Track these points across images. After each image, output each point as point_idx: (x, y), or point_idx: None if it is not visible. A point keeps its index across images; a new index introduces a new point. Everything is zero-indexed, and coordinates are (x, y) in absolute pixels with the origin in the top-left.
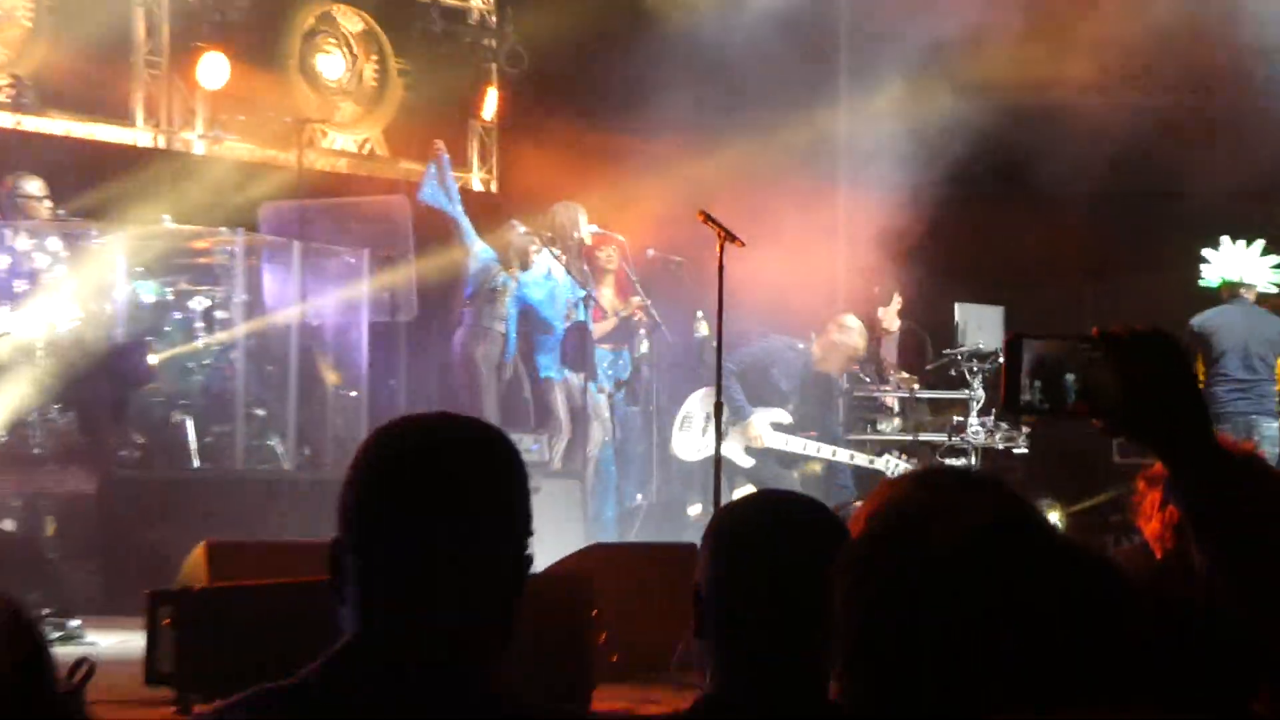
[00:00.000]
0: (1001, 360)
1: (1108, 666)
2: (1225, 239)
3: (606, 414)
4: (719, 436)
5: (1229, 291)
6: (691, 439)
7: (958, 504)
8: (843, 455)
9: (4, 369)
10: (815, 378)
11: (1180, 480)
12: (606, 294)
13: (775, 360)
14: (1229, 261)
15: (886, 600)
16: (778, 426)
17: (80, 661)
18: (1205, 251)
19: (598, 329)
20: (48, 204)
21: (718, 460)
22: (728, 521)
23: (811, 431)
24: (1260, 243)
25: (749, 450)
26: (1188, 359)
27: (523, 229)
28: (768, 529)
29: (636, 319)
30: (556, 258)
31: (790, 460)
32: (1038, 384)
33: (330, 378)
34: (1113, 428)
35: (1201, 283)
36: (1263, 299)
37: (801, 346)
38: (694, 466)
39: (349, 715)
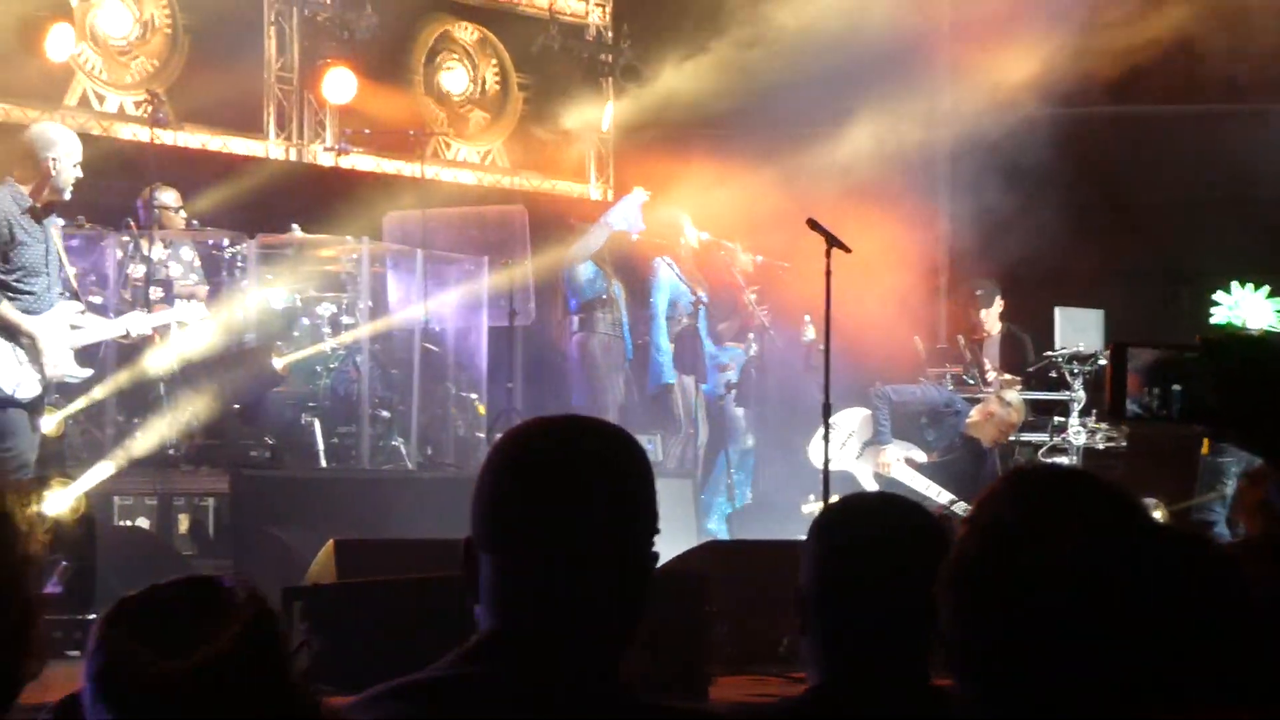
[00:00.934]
0: (1105, 366)
1: (1234, 662)
2: (1235, 284)
3: (718, 415)
4: (826, 439)
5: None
6: (830, 450)
7: (1069, 509)
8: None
9: (146, 373)
10: (965, 440)
11: None
12: (722, 296)
13: (929, 410)
14: (1237, 306)
15: (1000, 606)
16: (910, 463)
17: (303, 643)
18: (1217, 295)
19: (720, 329)
20: (182, 214)
21: (826, 465)
22: (830, 523)
23: (950, 488)
24: (1266, 288)
25: (877, 476)
26: None
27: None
28: (868, 530)
29: (754, 322)
30: (668, 264)
31: (914, 498)
32: (1144, 390)
33: (479, 409)
34: (1217, 431)
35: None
36: None
37: (960, 406)
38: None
39: (484, 709)
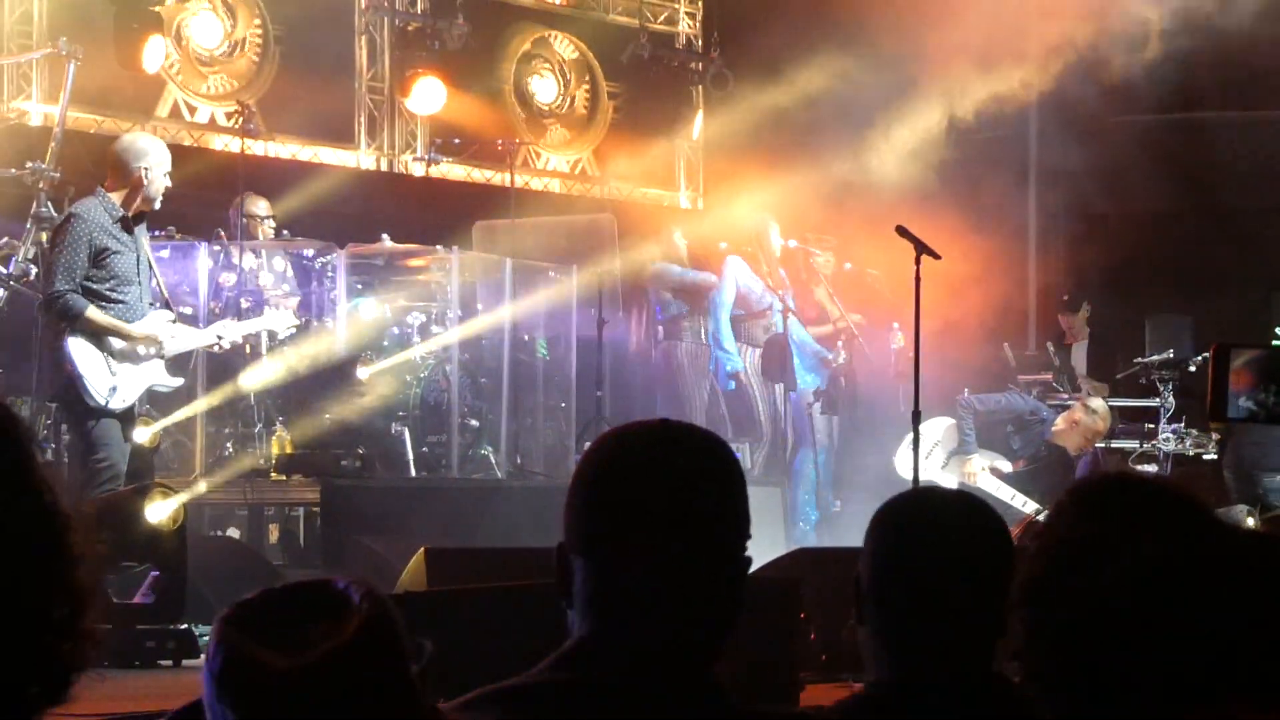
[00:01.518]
0: (1206, 368)
1: None
2: None
3: (806, 422)
4: (916, 445)
5: None
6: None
7: (1141, 521)
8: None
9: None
10: (1050, 448)
11: None
12: (820, 295)
13: (1014, 418)
14: None
15: (1071, 621)
16: (995, 472)
17: (422, 644)
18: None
19: (812, 331)
20: (271, 223)
21: (915, 469)
22: (890, 515)
23: (1035, 498)
24: None
25: (962, 485)
26: None
27: (682, 241)
28: (926, 523)
29: (842, 326)
30: (739, 262)
31: (999, 507)
32: (1247, 390)
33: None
34: None
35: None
36: None
37: (1046, 414)
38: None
39: (581, 713)
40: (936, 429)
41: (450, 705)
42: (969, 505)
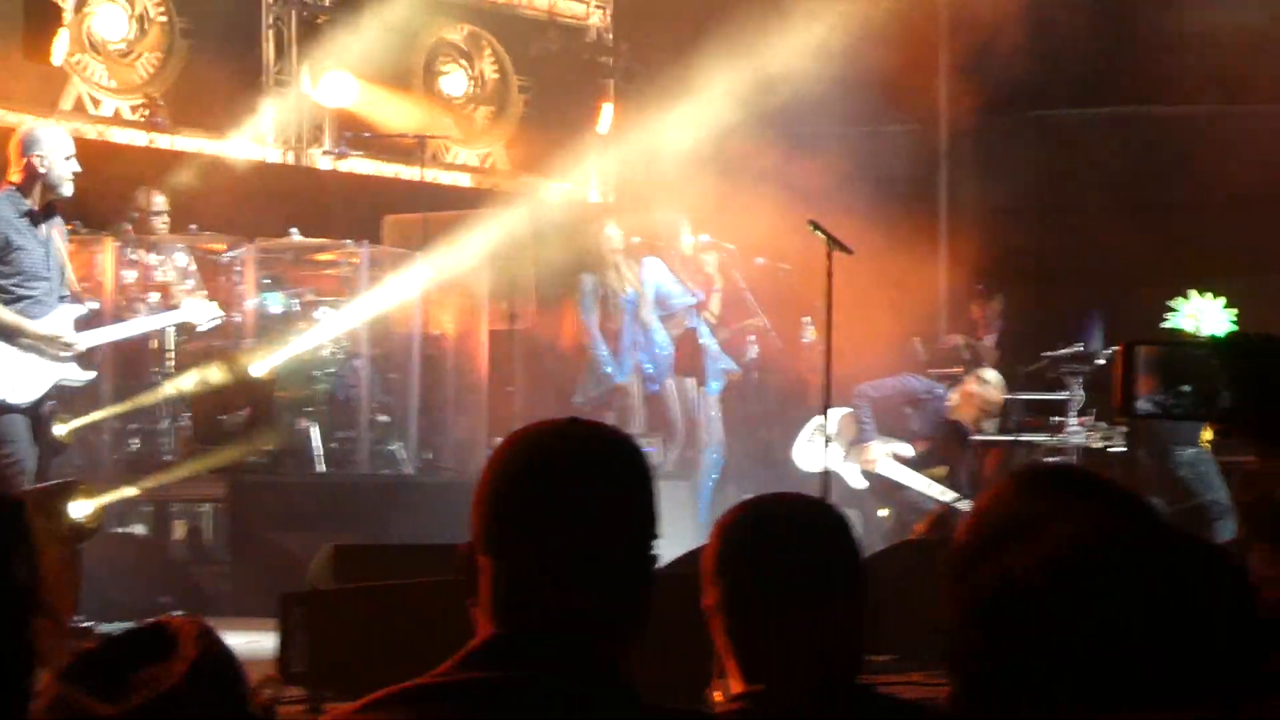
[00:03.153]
0: (1113, 364)
1: (1232, 662)
2: (1193, 293)
3: (716, 417)
4: (828, 440)
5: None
6: (814, 452)
7: (1072, 506)
8: (963, 504)
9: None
10: (948, 425)
11: None
12: (715, 300)
13: (910, 399)
14: (1191, 312)
15: (997, 603)
16: (897, 459)
17: (266, 680)
18: (1170, 302)
19: (722, 334)
20: (166, 218)
21: (824, 466)
22: (733, 532)
23: (939, 469)
24: (1223, 299)
25: (865, 474)
26: None
27: (619, 235)
28: (766, 535)
29: (759, 323)
30: (661, 266)
31: (899, 491)
32: (1154, 387)
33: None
34: (1227, 428)
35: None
36: None
37: (940, 391)
38: (812, 477)
39: (489, 713)
40: (832, 421)
41: (357, 704)
42: (806, 508)
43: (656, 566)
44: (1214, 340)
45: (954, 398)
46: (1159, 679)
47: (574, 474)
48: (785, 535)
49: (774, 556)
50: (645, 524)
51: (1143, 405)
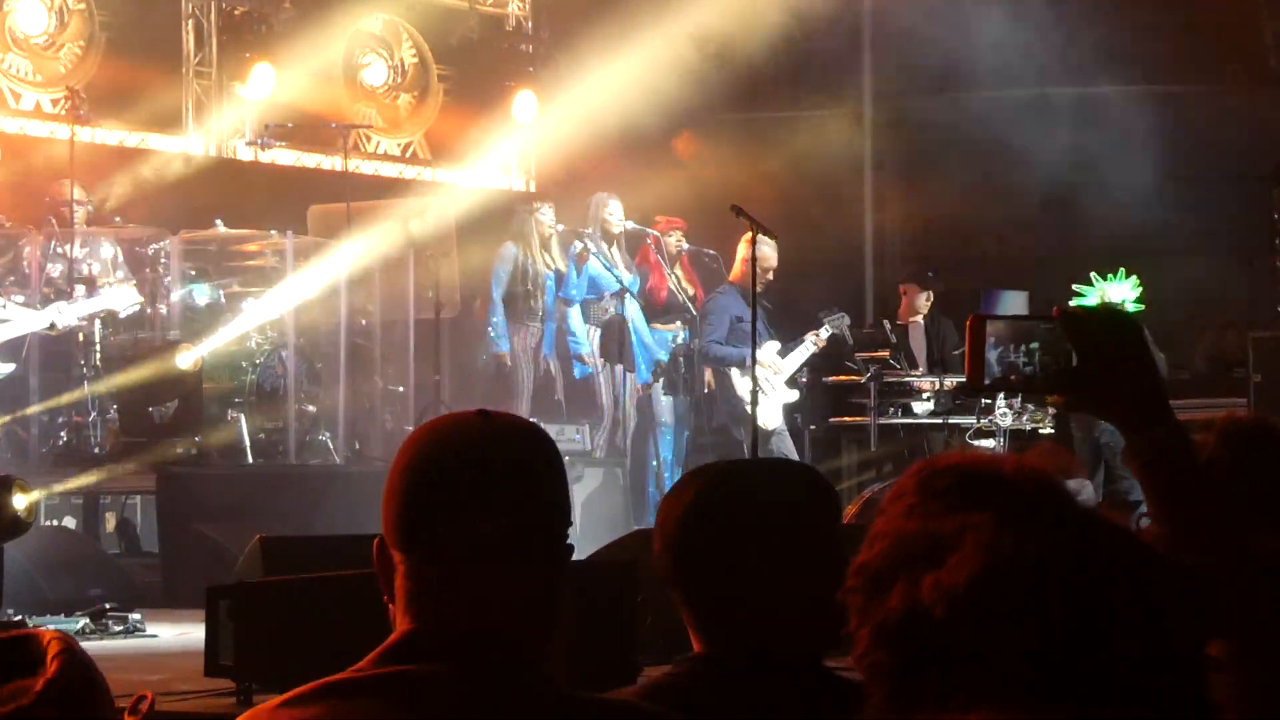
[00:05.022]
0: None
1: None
2: (1094, 275)
3: (647, 402)
4: (755, 427)
5: None
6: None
7: (979, 522)
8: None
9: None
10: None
11: (1136, 448)
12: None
13: (734, 317)
14: (1102, 289)
15: (906, 629)
16: (770, 364)
17: (141, 698)
18: (1076, 287)
19: (659, 325)
20: (90, 210)
21: (754, 444)
22: (688, 494)
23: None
24: (1134, 278)
25: (763, 390)
26: (1141, 334)
27: (551, 218)
28: (729, 493)
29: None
30: (594, 252)
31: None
32: (1002, 362)
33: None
34: (1072, 402)
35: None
36: None
37: (727, 288)
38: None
39: (410, 708)
40: (744, 387)
41: (282, 699)
42: (781, 469)
43: (581, 553)
44: (1061, 314)
45: (736, 269)
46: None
47: (483, 465)
48: (748, 494)
49: (727, 516)
50: (556, 513)
51: (991, 379)
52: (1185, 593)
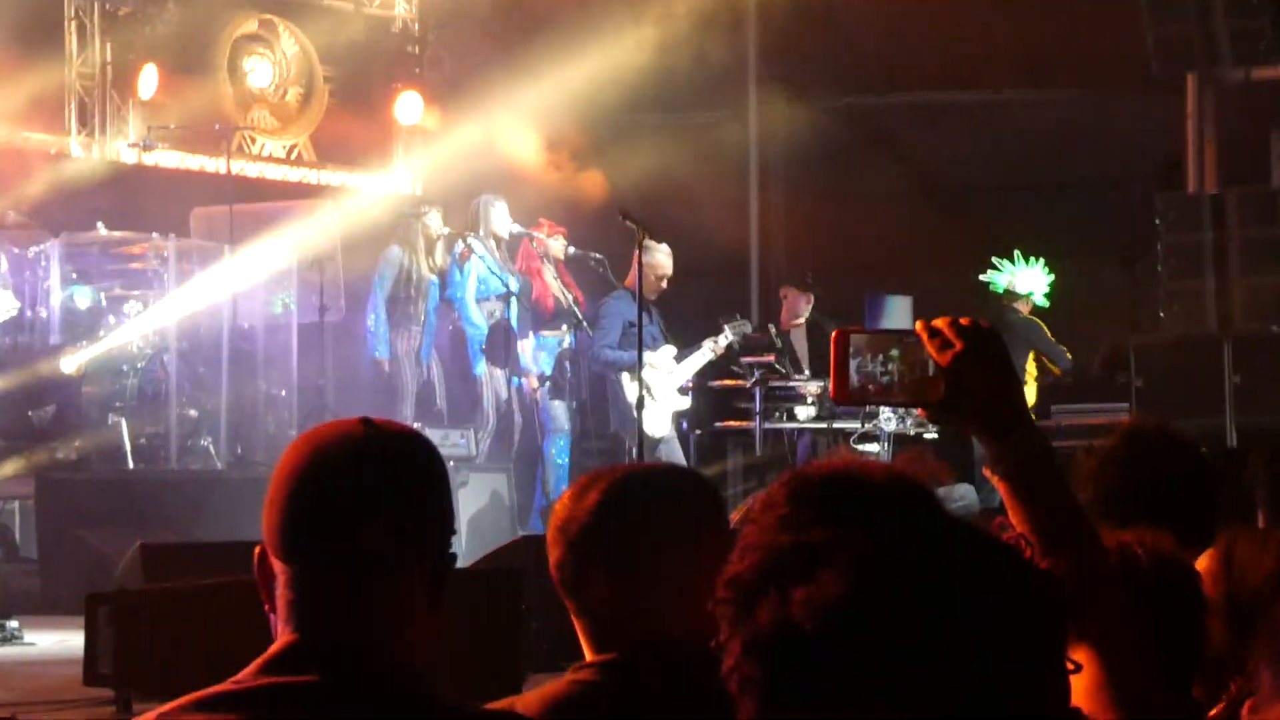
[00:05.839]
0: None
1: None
2: (1017, 253)
3: (544, 408)
4: (641, 436)
5: (1006, 300)
6: (649, 418)
7: (846, 535)
8: (702, 355)
9: None
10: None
11: (995, 456)
12: (549, 279)
13: (624, 322)
14: (1013, 273)
15: (777, 645)
16: (660, 367)
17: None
18: (995, 259)
19: (547, 331)
20: None
21: (640, 449)
22: (588, 497)
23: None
24: (1042, 260)
25: (650, 393)
26: (1002, 347)
27: (439, 223)
28: (639, 497)
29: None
30: (478, 254)
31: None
32: (864, 374)
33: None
34: (935, 414)
35: (990, 287)
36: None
37: (620, 293)
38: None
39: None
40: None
41: (160, 709)
42: (677, 474)
43: (465, 559)
44: (925, 327)
45: (630, 278)
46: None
47: (364, 475)
48: (650, 499)
49: (631, 519)
50: (437, 522)
51: (857, 392)
52: (1046, 598)
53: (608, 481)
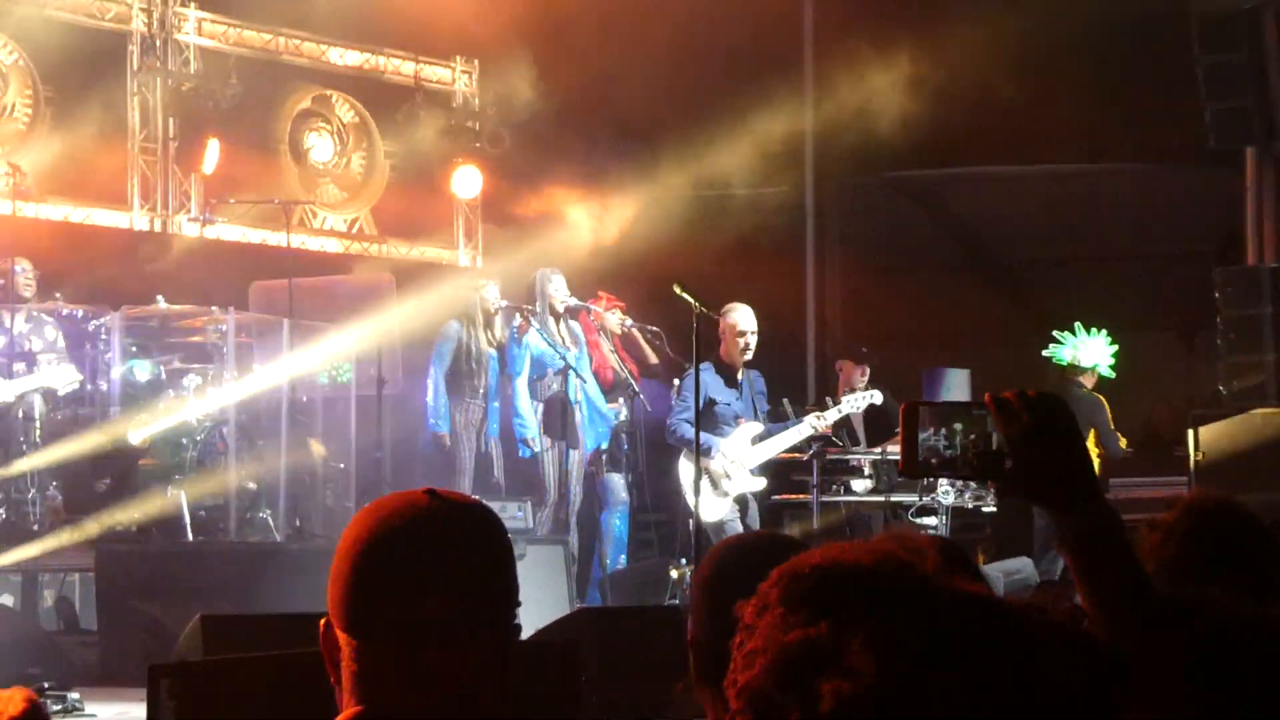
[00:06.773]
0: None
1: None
2: (1079, 325)
3: (604, 482)
4: (697, 493)
5: (1069, 374)
6: (709, 501)
7: (863, 624)
8: (800, 430)
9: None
10: (745, 385)
11: (1064, 531)
12: (606, 352)
13: (710, 386)
14: (1077, 346)
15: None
16: (744, 442)
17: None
18: (1056, 332)
19: (600, 389)
20: (34, 286)
21: (697, 522)
22: (716, 564)
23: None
24: (1104, 331)
25: (732, 473)
26: (1072, 419)
27: (496, 295)
28: (756, 566)
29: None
30: (536, 327)
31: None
32: (929, 447)
33: (316, 449)
34: (1004, 486)
35: (1053, 360)
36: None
37: (705, 365)
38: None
39: None
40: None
41: None
42: (787, 543)
43: (523, 633)
44: (993, 400)
45: (722, 350)
46: None
47: (430, 546)
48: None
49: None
50: (504, 595)
51: (926, 465)
52: (1083, 662)
53: (705, 561)
